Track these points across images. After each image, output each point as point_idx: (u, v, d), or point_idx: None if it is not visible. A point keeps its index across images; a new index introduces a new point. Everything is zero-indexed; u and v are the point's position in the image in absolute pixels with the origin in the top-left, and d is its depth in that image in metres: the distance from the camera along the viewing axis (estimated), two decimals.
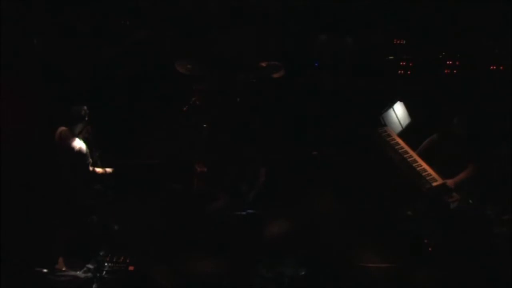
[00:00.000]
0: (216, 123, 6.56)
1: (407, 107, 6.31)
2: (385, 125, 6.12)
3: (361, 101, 6.92)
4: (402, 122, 6.23)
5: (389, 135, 5.94)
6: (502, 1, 6.43)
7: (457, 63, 6.96)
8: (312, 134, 6.86)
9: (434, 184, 5.23)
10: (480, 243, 4.98)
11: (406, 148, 5.71)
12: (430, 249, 5.23)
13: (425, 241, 5.28)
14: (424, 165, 5.45)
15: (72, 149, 5.07)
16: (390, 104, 6.29)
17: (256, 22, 7.09)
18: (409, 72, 7.12)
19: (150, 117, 6.88)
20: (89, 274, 4.75)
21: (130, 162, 6.20)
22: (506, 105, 6.23)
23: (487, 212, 5.13)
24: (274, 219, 5.67)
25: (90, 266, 4.83)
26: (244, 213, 4.99)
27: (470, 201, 5.12)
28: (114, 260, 4.74)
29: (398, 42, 7.09)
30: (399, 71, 7.13)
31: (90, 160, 5.21)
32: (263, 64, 6.61)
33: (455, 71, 6.98)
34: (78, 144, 5.10)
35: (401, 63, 7.11)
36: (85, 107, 5.21)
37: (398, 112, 6.28)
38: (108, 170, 5.25)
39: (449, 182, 5.19)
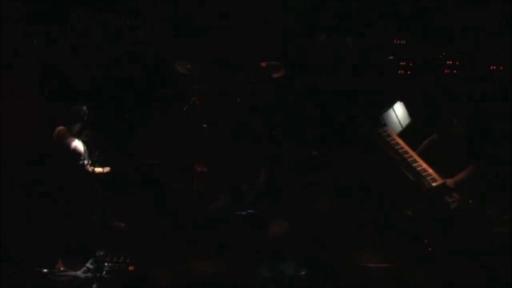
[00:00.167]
0: (216, 123, 6.56)
1: (407, 107, 6.32)
2: (385, 125, 6.12)
3: (361, 101, 6.92)
4: (402, 122, 6.23)
5: (389, 135, 5.94)
6: (502, 1, 6.43)
7: (457, 63, 6.96)
8: (312, 134, 6.86)
9: (434, 184, 5.23)
10: (480, 243, 4.98)
11: (406, 148, 5.71)
12: (430, 249, 5.23)
13: (425, 241, 5.28)
14: (424, 165, 5.45)
15: (68, 148, 5.08)
16: (390, 104, 6.29)
17: (256, 22, 7.09)
18: (409, 72, 7.12)
19: (150, 117, 6.88)
20: (89, 274, 4.75)
21: (130, 162, 6.20)
22: (506, 105, 6.23)
23: (487, 212, 5.13)
24: (274, 219, 5.67)
25: (90, 266, 4.83)
26: (244, 213, 4.99)
27: (470, 201, 5.12)
28: (114, 260, 4.74)
29: (398, 42, 7.09)
30: (399, 71, 7.13)
31: (89, 160, 5.21)
32: (263, 64, 6.61)
33: (455, 71, 6.98)
34: (75, 143, 5.11)
35: (401, 63, 7.11)
36: (84, 107, 5.22)
37: (398, 112, 6.28)
38: (106, 169, 5.25)
39: (449, 182, 5.19)
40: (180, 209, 5.77)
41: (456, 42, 6.89)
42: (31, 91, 6.17)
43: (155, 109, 6.94)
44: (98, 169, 5.18)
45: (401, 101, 6.33)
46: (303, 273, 5.03)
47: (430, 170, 5.38)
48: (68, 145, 5.09)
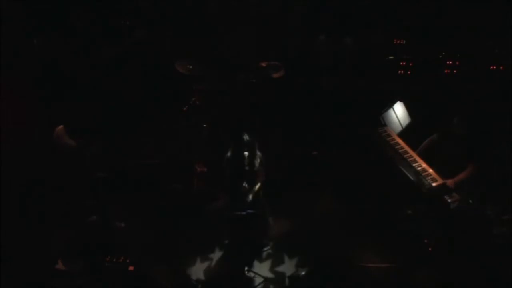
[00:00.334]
0: (216, 123, 6.56)
1: (407, 107, 6.31)
2: (385, 125, 6.12)
3: (361, 101, 6.92)
4: (402, 122, 6.23)
5: (389, 135, 5.95)
6: (502, 1, 6.43)
7: (457, 63, 6.96)
8: (312, 134, 6.86)
9: (434, 184, 5.23)
10: (480, 243, 4.98)
11: (406, 148, 5.71)
12: (430, 249, 5.23)
13: (425, 241, 5.28)
14: (424, 165, 5.45)
15: (67, 147, 5.09)
16: (390, 104, 6.29)
17: (256, 23, 7.09)
18: (409, 72, 7.12)
19: (150, 117, 6.88)
20: (89, 274, 4.75)
21: (130, 162, 6.21)
22: (506, 105, 6.22)
23: (487, 212, 5.12)
24: (274, 219, 5.67)
25: (90, 266, 4.83)
26: (244, 213, 4.99)
27: (470, 201, 5.12)
28: (114, 260, 4.74)
29: (398, 42, 7.08)
30: (399, 71, 7.13)
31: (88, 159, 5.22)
32: (263, 64, 6.61)
33: (455, 71, 6.98)
34: (73, 142, 5.11)
35: (401, 63, 7.11)
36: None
37: (398, 112, 6.28)
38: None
39: (449, 182, 5.19)
40: (180, 209, 5.77)
41: (456, 42, 6.89)
42: (31, 91, 6.17)
43: (155, 109, 6.94)
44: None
45: (401, 101, 6.33)
46: (303, 273, 5.03)
47: (430, 170, 5.38)
48: (66, 145, 5.10)
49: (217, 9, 7.08)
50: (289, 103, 6.94)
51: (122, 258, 4.75)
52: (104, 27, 6.94)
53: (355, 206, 5.86)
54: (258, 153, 5.32)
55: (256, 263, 5.22)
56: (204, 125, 6.53)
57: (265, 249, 5.40)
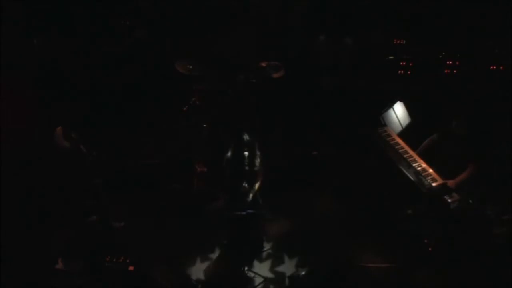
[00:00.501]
0: (216, 123, 6.56)
1: (407, 107, 6.31)
2: (385, 125, 6.12)
3: (361, 101, 6.92)
4: (402, 122, 6.23)
5: (389, 135, 5.95)
6: (502, 1, 6.43)
7: (457, 63, 6.95)
8: (312, 134, 6.86)
9: (434, 184, 5.23)
10: (480, 243, 4.98)
11: (406, 148, 5.71)
12: (430, 249, 5.23)
13: (425, 241, 5.28)
14: (424, 165, 5.45)
15: (65, 147, 5.09)
16: (390, 104, 6.29)
17: (256, 23, 7.09)
18: (409, 72, 7.12)
19: (150, 117, 6.88)
20: (89, 274, 4.75)
21: (130, 162, 6.21)
22: (506, 105, 6.22)
23: (487, 212, 5.13)
24: (274, 219, 5.67)
25: (90, 266, 4.83)
26: (244, 213, 4.99)
27: (470, 201, 5.12)
28: (114, 260, 4.74)
29: (398, 42, 7.08)
30: (399, 71, 7.13)
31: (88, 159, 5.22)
32: (263, 64, 6.61)
33: (455, 71, 6.98)
34: (67, 144, 5.11)
35: (401, 63, 7.10)
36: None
37: (398, 112, 6.28)
38: None
39: (450, 183, 5.18)
40: (180, 209, 5.77)
41: (456, 42, 6.89)
42: (31, 91, 6.16)
43: (155, 109, 6.94)
44: None
45: (401, 101, 6.33)
46: (303, 273, 5.03)
47: (430, 170, 5.38)
48: (65, 145, 5.10)
49: (217, 9, 7.08)
50: (289, 103, 6.94)
51: (122, 258, 4.75)
52: (104, 27, 6.94)
53: (355, 206, 5.86)
54: (258, 153, 5.31)
55: (256, 263, 5.22)
56: (204, 125, 6.53)
57: (265, 249, 5.40)
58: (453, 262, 5.00)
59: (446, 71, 6.99)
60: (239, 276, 5.05)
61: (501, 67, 6.77)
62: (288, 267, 5.20)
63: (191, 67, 6.45)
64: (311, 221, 5.68)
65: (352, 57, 7.23)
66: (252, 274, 5.07)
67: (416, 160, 5.53)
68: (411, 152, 5.65)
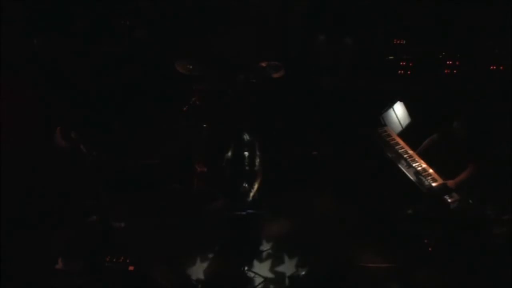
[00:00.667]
0: (216, 123, 6.56)
1: (407, 107, 6.31)
2: (385, 125, 6.12)
3: (361, 101, 6.92)
4: (402, 122, 6.22)
5: (389, 135, 5.95)
6: (502, 1, 6.43)
7: (457, 63, 6.96)
8: (312, 134, 6.86)
9: (434, 184, 5.23)
10: (480, 243, 4.98)
11: (406, 148, 5.72)
12: (430, 249, 5.23)
13: (425, 241, 5.28)
14: (424, 165, 5.45)
15: (65, 147, 5.09)
16: (390, 104, 6.29)
17: (256, 23, 7.09)
18: (409, 72, 7.12)
19: (150, 117, 6.88)
20: (89, 274, 4.75)
21: (130, 162, 6.21)
22: (506, 105, 6.22)
23: (487, 212, 5.13)
24: (274, 219, 5.67)
25: (90, 266, 4.83)
26: (244, 213, 4.99)
27: (470, 201, 5.12)
28: (114, 260, 4.74)
29: (398, 42, 7.08)
30: (399, 71, 7.13)
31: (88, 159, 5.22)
32: (263, 64, 6.61)
33: (455, 71, 6.98)
34: (64, 143, 5.12)
35: (401, 63, 7.10)
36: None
37: (398, 112, 6.28)
38: None
39: (450, 183, 5.18)
40: (180, 209, 5.77)
41: (456, 42, 6.89)
42: (31, 91, 6.16)
43: (155, 109, 6.94)
44: None
45: (401, 101, 6.33)
46: (303, 273, 5.03)
47: (430, 170, 5.38)
48: (64, 145, 5.10)
49: (217, 9, 7.08)
50: (289, 103, 6.94)
51: (122, 258, 4.75)
52: (104, 27, 6.94)
53: (355, 206, 5.86)
54: (258, 153, 5.31)
55: (256, 263, 5.22)
56: (204, 125, 6.53)
57: (265, 249, 5.40)
58: (453, 262, 5.00)
59: (446, 71, 6.99)
60: (239, 276, 5.05)
61: (501, 67, 6.77)
62: (288, 267, 5.20)
63: (191, 67, 6.45)
64: (311, 221, 5.67)
65: (352, 57, 7.23)
66: (252, 274, 5.07)
67: (416, 160, 5.53)
68: (411, 152, 5.65)
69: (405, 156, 5.61)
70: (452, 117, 5.40)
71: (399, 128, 6.18)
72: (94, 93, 6.66)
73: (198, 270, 5.13)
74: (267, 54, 6.85)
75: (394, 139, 5.87)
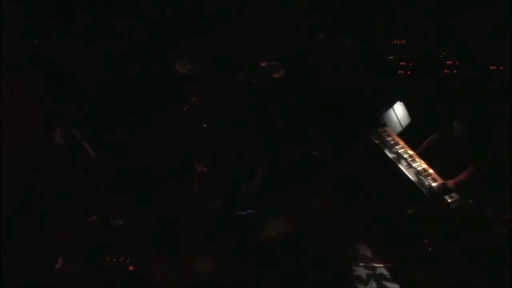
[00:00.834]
0: (216, 123, 6.56)
1: (407, 107, 6.31)
2: (385, 125, 6.12)
3: (361, 101, 6.92)
4: (402, 122, 6.23)
5: (389, 135, 5.95)
6: (502, 1, 6.42)
7: (457, 63, 6.95)
8: (312, 134, 6.86)
9: (434, 184, 5.23)
10: (480, 243, 4.98)
11: (406, 148, 5.72)
12: (430, 249, 5.23)
13: (425, 241, 5.28)
14: (424, 165, 5.45)
15: (65, 148, 5.09)
16: (390, 104, 6.29)
17: (256, 23, 7.09)
18: (409, 72, 7.12)
19: (150, 117, 6.88)
20: (89, 274, 4.75)
21: (130, 162, 6.21)
22: (506, 105, 6.22)
23: (487, 212, 5.13)
24: (274, 219, 5.67)
25: (89, 266, 4.83)
26: (244, 213, 4.99)
27: (470, 201, 5.12)
28: (114, 260, 4.74)
29: (398, 42, 7.08)
30: (399, 71, 7.13)
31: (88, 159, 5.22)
32: (263, 64, 6.61)
33: (455, 71, 6.98)
34: (63, 142, 5.12)
35: (401, 63, 7.10)
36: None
37: (398, 112, 6.28)
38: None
39: (450, 183, 5.18)
40: (180, 209, 5.77)
41: (456, 42, 6.88)
42: (31, 91, 6.16)
43: (155, 109, 6.94)
44: None
45: (401, 101, 6.32)
46: (304, 272, 5.03)
47: (430, 170, 5.39)
48: (64, 145, 5.10)
49: (217, 9, 7.08)
50: (289, 103, 6.94)
51: (122, 258, 4.75)
52: (104, 27, 6.93)
53: (355, 206, 5.86)
54: (258, 152, 5.32)
55: (256, 263, 5.22)
56: (204, 125, 6.53)
57: (265, 248, 5.39)
58: (453, 262, 4.99)
59: (446, 71, 6.99)
60: (239, 276, 5.05)
61: (501, 67, 6.76)
62: (288, 267, 5.20)
63: (191, 67, 6.45)
64: (311, 221, 5.67)
65: (352, 57, 7.23)
66: (252, 273, 5.07)
67: (416, 160, 5.53)
68: (411, 152, 5.65)
69: (405, 156, 5.61)
70: (452, 117, 5.40)
71: (399, 128, 6.18)
72: (94, 93, 6.66)
73: (198, 270, 5.13)
74: (267, 54, 6.84)
75: (394, 139, 5.88)
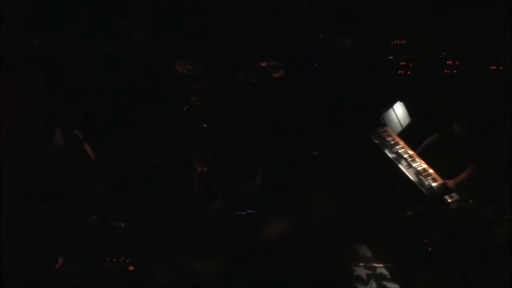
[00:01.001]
0: (216, 123, 6.56)
1: (407, 107, 6.31)
2: (385, 125, 6.12)
3: (361, 101, 6.92)
4: (402, 122, 6.23)
5: (389, 135, 5.95)
6: (502, 1, 6.43)
7: (457, 63, 6.96)
8: (312, 134, 6.86)
9: (434, 184, 5.23)
10: (480, 243, 4.98)
11: (406, 148, 5.72)
12: (430, 249, 5.23)
13: (425, 241, 5.28)
14: (424, 165, 5.45)
15: (65, 148, 5.09)
16: (390, 104, 6.30)
17: (256, 23, 7.09)
18: (409, 72, 7.12)
19: (150, 117, 6.88)
20: (89, 274, 4.75)
21: (130, 162, 6.21)
22: (506, 105, 6.23)
23: (487, 212, 5.13)
24: (274, 219, 5.67)
25: (90, 266, 4.83)
26: (244, 213, 4.99)
27: (470, 201, 5.12)
28: (114, 260, 4.74)
29: (398, 42, 7.08)
30: (399, 71, 7.13)
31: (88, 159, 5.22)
32: (263, 64, 6.61)
33: (455, 71, 6.98)
34: (62, 142, 5.12)
35: (401, 63, 7.11)
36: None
37: (398, 112, 6.28)
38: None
39: (450, 183, 5.18)
40: (180, 209, 5.77)
41: (456, 42, 6.89)
42: (31, 91, 6.16)
43: (155, 109, 6.94)
44: None
45: (401, 101, 6.33)
46: (303, 272, 5.03)
47: (430, 170, 5.39)
48: (64, 145, 5.10)
49: (217, 9, 7.08)
50: (289, 103, 6.94)
51: (122, 258, 4.75)
52: (104, 27, 6.93)
53: (355, 206, 5.86)
54: (258, 152, 5.32)
55: (256, 263, 5.22)
56: (204, 125, 6.53)
57: (265, 248, 5.39)
58: (453, 262, 5.00)
59: (446, 71, 6.99)
60: (239, 276, 5.05)
61: (501, 67, 6.77)
62: (288, 267, 5.20)
63: (191, 67, 6.45)
64: (311, 221, 5.67)
65: (352, 57, 7.23)
66: (252, 273, 5.07)
67: (416, 160, 5.53)
68: (411, 152, 5.65)
69: (405, 156, 5.61)
70: (452, 117, 5.40)
71: (399, 128, 6.18)
72: (94, 93, 6.66)
73: (198, 270, 5.13)
74: (267, 54, 6.85)
75: (394, 139, 5.88)
